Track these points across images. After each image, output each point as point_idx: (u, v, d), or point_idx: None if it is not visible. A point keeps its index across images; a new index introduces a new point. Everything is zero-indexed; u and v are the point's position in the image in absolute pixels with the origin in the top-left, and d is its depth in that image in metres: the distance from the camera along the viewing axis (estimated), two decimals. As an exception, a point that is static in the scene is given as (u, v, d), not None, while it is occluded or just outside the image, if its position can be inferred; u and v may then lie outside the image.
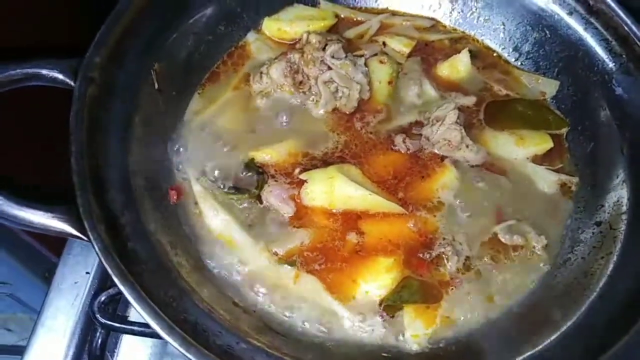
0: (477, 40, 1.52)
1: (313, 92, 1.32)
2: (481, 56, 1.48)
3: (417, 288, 1.11)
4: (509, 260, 1.18)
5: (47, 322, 1.28)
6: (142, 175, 1.09)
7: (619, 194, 1.20)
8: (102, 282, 1.32)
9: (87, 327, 1.27)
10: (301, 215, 1.18)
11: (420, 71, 1.41)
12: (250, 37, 1.44)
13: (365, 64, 1.36)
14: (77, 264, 1.35)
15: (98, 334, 1.19)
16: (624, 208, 1.18)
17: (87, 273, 1.33)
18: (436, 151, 1.28)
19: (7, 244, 1.67)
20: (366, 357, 1.04)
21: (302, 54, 1.30)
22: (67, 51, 1.05)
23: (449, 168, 1.26)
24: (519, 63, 1.48)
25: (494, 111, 1.37)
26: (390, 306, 1.10)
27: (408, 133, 1.30)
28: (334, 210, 1.19)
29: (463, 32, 1.53)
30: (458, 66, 1.42)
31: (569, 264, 1.18)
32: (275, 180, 1.21)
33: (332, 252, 1.15)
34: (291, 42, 1.43)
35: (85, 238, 0.90)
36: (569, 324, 1.04)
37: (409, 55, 1.45)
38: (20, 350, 2.41)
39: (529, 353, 1.01)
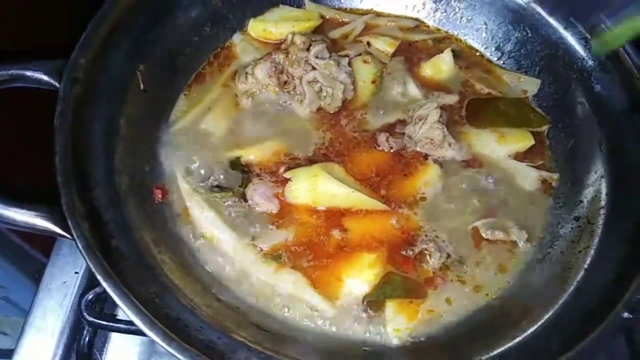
0: (460, 40, 1.54)
1: (298, 92, 1.33)
2: (464, 56, 1.50)
3: (400, 283, 1.13)
4: (490, 256, 1.20)
5: (35, 322, 1.29)
6: (127, 174, 1.11)
7: (597, 189, 1.22)
8: (91, 281, 1.33)
9: (76, 326, 1.28)
10: (285, 213, 1.20)
11: (404, 70, 1.43)
12: (236, 38, 1.46)
13: (349, 64, 1.38)
14: (66, 264, 1.36)
15: (85, 332, 1.20)
16: (602, 203, 1.20)
17: (76, 273, 1.34)
18: (419, 149, 1.30)
19: (-1, 248, 1.68)
20: (347, 351, 1.05)
21: (287, 55, 1.32)
22: (51, 53, 1.07)
23: (431, 166, 1.28)
24: (501, 62, 1.50)
25: (476, 109, 1.40)
26: (374, 302, 1.11)
27: (391, 132, 1.32)
28: (318, 208, 1.21)
29: (446, 32, 1.55)
30: (441, 65, 1.44)
31: (548, 258, 1.20)
32: (260, 179, 1.23)
33: (316, 248, 1.17)
34: (276, 43, 1.44)
35: (69, 236, 0.91)
36: (547, 316, 1.06)
37: (393, 55, 1.47)
38: (15, 353, 2.42)
39: (508, 345, 1.03)
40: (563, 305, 1.07)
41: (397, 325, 1.09)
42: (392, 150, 1.29)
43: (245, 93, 1.34)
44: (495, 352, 1.01)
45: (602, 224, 1.17)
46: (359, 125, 1.34)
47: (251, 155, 1.26)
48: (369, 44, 1.48)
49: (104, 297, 1.21)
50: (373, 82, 1.39)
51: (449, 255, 1.19)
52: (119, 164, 1.10)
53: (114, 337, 1.31)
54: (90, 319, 1.12)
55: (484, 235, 1.21)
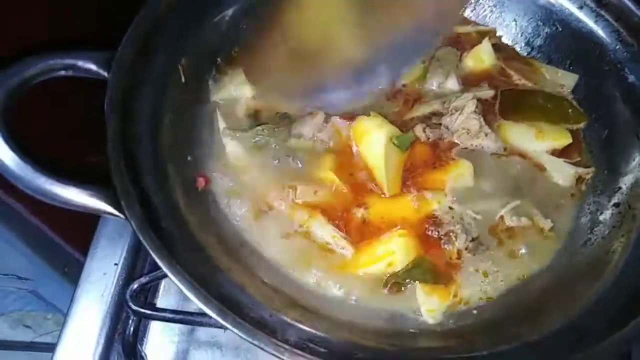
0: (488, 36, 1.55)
1: None
2: (502, 48, 1.51)
3: (429, 268, 1.13)
4: (518, 241, 1.20)
5: (78, 314, 1.30)
6: (172, 161, 1.13)
7: (636, 175, 1.23)
8: (130, 272, 1.35)
9: (117, 316, 1.30)
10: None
11: (454, 62, 1.43)
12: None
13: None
14: (105, 257, 1.38)
15: (130, 321, 1.21)
16: (642, 188, 1.21)
17: (115, 264, 1.36)
18: (455, 140, 1.30)
19: (27, 239, 1.69)
20: (393, 333, 1.07)
21: None
22: (100, 45, 1.10)
23: (463, 161, 1.27)
24: (532, 57, 1.51)
25: (512, 101, 1.39)
26: (398, 283, 1.12)
27: (428, 122, 1.32)
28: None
29: (487, 26, 1.55)
30: (481, 55, 1.44)
31: (589, 243, 1.20)
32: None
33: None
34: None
35: (122, 216, 0.93)
36: (592, 298, 1.06)
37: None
38: (39, 346, 2.44)
39: (548, 329, 1.03)
40: (607, 287, 1.07)
41: (430, 306, 1.10)
42: (429, 141, 1.30)
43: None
44: (545, 331, 1.01)
45: (644, 207, 1.17)
46: (399, 112, 1.35)
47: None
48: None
49: (147, 287, 1.24)
50: (423, 61, 1.40)
51: (474, 238, 1.18)
52: (164, 150, 1.13)
53: (153, 328, 1.32)
54: (136, 308, 1.14)
55: (508, 221, 1.21)
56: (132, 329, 1.22)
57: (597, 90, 1.39)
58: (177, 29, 1.25)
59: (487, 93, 1.39)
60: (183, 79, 1.26)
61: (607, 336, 0.94)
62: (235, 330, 0.85)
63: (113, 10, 1.23)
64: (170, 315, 1.15)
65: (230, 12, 1.39)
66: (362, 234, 1.17)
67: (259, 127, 1.26)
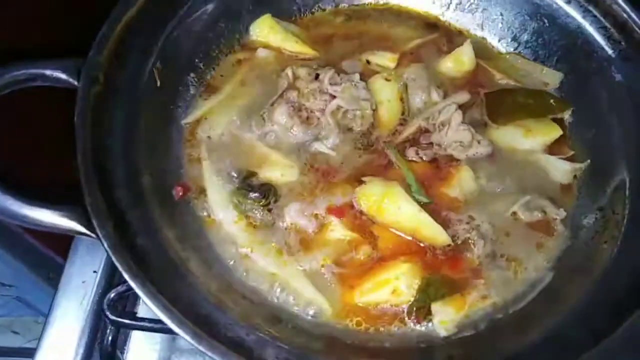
0: (473, 35, 1.52)
1: (323, 125, 1.27)
2: (481, 48, 1.48)
3: (441, 282, 1.12)
4: (529, 240, 1.20)
5: (56, 322, 1.28)
6: (148, 172, 1.10)
7: (621, 179, 1.21)
8: (110, 280, 1.33)
9: (96, 325, 1.28)
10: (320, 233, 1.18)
11: (427, 75, 1.38)
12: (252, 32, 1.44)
13: (367, 84, 1.33)
14: (84, 264, 1.35)
15: (108, 330, 1.20)
16: (626, 193, 1.19)
17: (95, 272, 1.34)
18: (450, 153, 1.27)
19: (10, 247, 1.67)
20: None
21: (298, 90, 1.28)
22: (69, 52, 1.06)
23: (464, 167, 1.25)
24: (518, 53, 1.48)
25: (495, 104, 1.37)
26: (421, 307, 1.10)
27: (418, 144, 1.29)
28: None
29: (459, 28, 1.53)
30: (462, 58, 1.41)
31: (571, 248, 1.19)
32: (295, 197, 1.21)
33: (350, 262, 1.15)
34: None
35: (93, 235, 0.91)
36: (575, 306, 1.06)
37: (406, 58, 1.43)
38: (27, 352, 2.42)
39: (538, 335, 1.03)
40: (590, 296, 1.07)
41: (444, 317, 1.09)
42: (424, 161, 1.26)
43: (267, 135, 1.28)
44: (527, 343, 1.01)
45: (627, 214, 1.16)
46: (385, 142, 1.29)
47: (277, 174, 1.22)
48: (368, 61, 1.41)
49: (126, 295, 1.21)
50: (401, 99, 1.33)
51: (492, 242, 1.18)
52: (139, 162, 1.10)
53: (135, 335, 1.31)
54: (114, 317, 1.12)
55: (522, 217, 1.21)
56: (110, 338, 1.21)
57: (583, 89, 1.37)
58: (151, 29, 1.21)
59: (462, 97, 1.35)
60: (158, 83, 1.22)
61: (590, 347, 0.94)
62: (210, 354, 0.84)
63: (82, 15, 1.18)
64: (150, 325, 1.13)
65: (209, 8, 1.35)
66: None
67: (243, 193, 1.19)
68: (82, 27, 1.06)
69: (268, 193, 1.18)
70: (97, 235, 0.90)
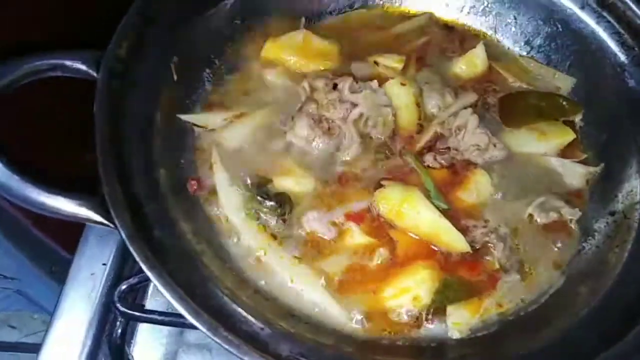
0: (487, 36, 1.53)
1: (344, 135, 1.26)
2: (495, 50, 1.49)
3: (459, 285, 1.12)
4: (545, 241, 1.20)
5: (63, 315, 1.28)
6: (164, 166, 1.11)
7: (633, 184, 1.22)
8: (119, 272, 1.33)
9: (105, 318, 1.28)
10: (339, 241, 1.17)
11: (440, 79, 1.39)
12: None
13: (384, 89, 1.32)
14: (94, 256, 1.35)
15: (118, 323, 1.20)
16: (638, 197, 1.20)
17: (104, 264, 1.34)
18: (467, 158, 1.27)
19: (15, 239, 1.67)
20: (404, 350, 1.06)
21: (317, 102, 1.27)
22: (89, 44, 1.06)
23: (481, 171, 1.25)
24: (531, 56, 1.49)
25: (508, 107, 1.37)
26: (438, 308, 1.10)
27: (435, 149, 1.28)
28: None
29: (473, 28, 1.53)
30: (475, 61, 1.42)
31: (583, 252, 1.19)
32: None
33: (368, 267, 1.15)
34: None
35: (111, 225, 0.91)
36: (584, 311, 1.06)
37: (420, 62, 1.43)
38: (24, 347, 2.41)
39: (549, 337, 1.03)
40: (601, 300, 1.07)
41: (458, 319, 1.09)
42: (443, 168, 1.26)
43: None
44: (536, 346, 1.01)
45: (639, 218, 1.16)
46: (402, 150, 1.29)
47: (293, 183, 1.22)
48: (376, 62, 1.41)
49: (136, 288, 1.21)
50: (417, 104, 1.33)
51: (510, 245, 1.17)
52: (156, 155, 1.10)
53: (141, 329, 1.30)
54: (124, 309, 1.12)
55: (538, 219, 1.21)
56: (119, 331, 1.21)
57: (596, 93, 1.38)
58: (169, 24, 1.21)
59: (471, 97, 1.36)
60: (175, 77, 1.22)
61: (601, 351, 0.94)
62: (226, 346, 0.84)
63: (102, 8, 1.18)
64: (160, 318, 1.13)
65: (227, 5, 1.35)
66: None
67: (260, 200, 1.17)
68: (104, 19, 1.07)
69: (283, 202, 1.17)
70: (115, 225, 0.90)
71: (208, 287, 0.96)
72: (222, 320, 0.88)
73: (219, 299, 0.94)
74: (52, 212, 0.91)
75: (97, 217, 0.92)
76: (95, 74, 1.04)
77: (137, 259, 0.88)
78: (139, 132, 1.09)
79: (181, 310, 0.86)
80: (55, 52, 1.03)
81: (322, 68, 1.39)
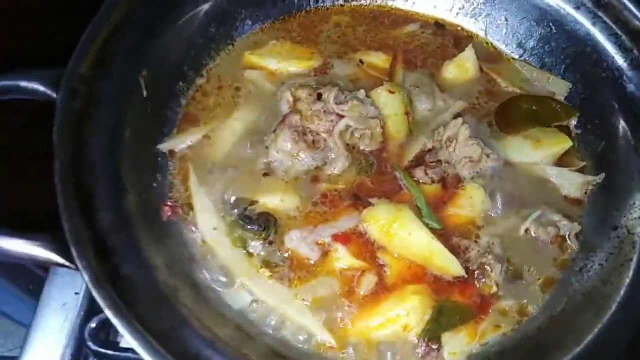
0: (479, 37, 1.46)
1: (330, 148, 1.19)
2: (486, 54, 1.42)
3: (453, 310, 1.06)
4: (543, 258, 1.15)
5: (36, 348, 1.20)
6: (133, 190, 1.02)
7: (636, 196, 1.15)
8: (92, 303, 1.24)
9: (78, 351, 1.20)
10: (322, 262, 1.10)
11: (430, 82, 1.32)
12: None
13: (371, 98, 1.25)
14: (65, 284, 1.27)
15: (90, 360, 1.12)
16: (641, 212, 1.13)
17: (77, 293, 1.25)
18: (459, 171, 1.20)
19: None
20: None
21: (300, 113, 1.19)
22: (48, 62, 0.97)
23: (474, 185, 1.19)
24: (524, 60, 1.42)
25: (500, 113, 1.31)
26: (432, 336, 1.04)
27: (425, 163, 1.21)
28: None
29: (465, 30, 1.46)
30: (465, 64, 1.35)
31: (585, 270, 1.13)
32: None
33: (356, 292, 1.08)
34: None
35: (73, 267, 0.82)
36: (591, 335, 1.00)
37: (410, 63, 1.37)
38: (4, 360, 2.33)
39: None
40: (608, 323, 1.00)
41: (454, 348, 1.03)
42: (434, 182, 1.19)
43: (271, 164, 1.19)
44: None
45: (644, 234, 1.10)
46: (391, 164, 1.22)
47: (277, 200, 1.14)
48: (361, 61, 1.36)
49: (108, 323, 1.13)
50: (406, 113, 1.25)
51: (506, 264, 1.12)
52: (124, 180, 1.01)
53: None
54: (95, 348, 1.06)
55: (534, 234, 1.15)
56: (91, 368, 1.13)
57: (593, 98, 1.31)
58: (137, 34, 1.12)
59: (460, 105, 1.30)
60: (145, 93, 1.13)
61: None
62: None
63: (61, 21, 1.08)
64: (134, 356, 1.06)
65: (200, 11, 1.26)
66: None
67: (242, 224, 1.10)
68: (60, 34, 0.97)
69: (268, 224, 1.09)
70: (77, 267, 0.81)
71: (183, 329, 0.88)
72: (198, 368, 0.80)
73: (194, 343, 0.86)
74: (6, 256, 0.82)
75: (57, 259, 0.84)
76: (54, 95, 0.95)
77: (101, 304, 0.80)
78: (105, 156, 0.99)
79: (150, 360, 0.78)
80: (8, 72, 0.94)
81: (304, 68, 1.33)
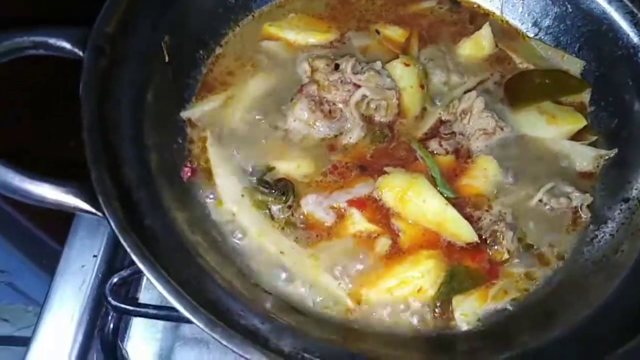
0: (495, 15, 1.47)
1: (347, 118, 1.21)
2: (502, 31, 1.43)
3: (465, 274, 1.07)
4: (555, 228, 1.16)
5: (53, 309, 1.22)
6: (156, 150, 1.04)
7: (647, 169, 1.17)
8: (111, 264, 1.27)
9: (96, 312, 1.22)
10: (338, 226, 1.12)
11: (443, 56, 1.34)
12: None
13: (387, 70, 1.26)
14: (84, 248, 1.29)
15: (110, 317, 1.14)
16: (654, 184, 1.15)
17: (95, 256, 1.28)
18: (473, 143, 1.22)
19: (5, 231, 1.61)
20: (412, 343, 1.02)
21: (317, 83, 1.21)
22: (75, 20, 0.99)
23: (488, 157, 1.21)
24: (539, 39, 1.43)
25: (513, 88, 1.32)
26: (445, 300, 1.06)
27: (440, 135, 1.23)
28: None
29: (481, 6, 1.47)
30: (482, 42, 1.36)
31: (596, 240, 1.15)
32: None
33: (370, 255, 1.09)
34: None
35: (99, 214, 0.85)
36: (600, 303, 1.01)
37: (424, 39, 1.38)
38: (17, 340, 2.36)
39: (561, 331, 0.98)
40: (616, 293, 1.02)
41: (466, 310, 1.05)
42: (448, 154, 1.21)
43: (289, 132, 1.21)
44: (550, 339, 0.96)
45: (655, 205, 1.12)
46: (406, 135, 1.24)
47: (294, 166, 1.17)
48: (377, 31, 1.37)
49: (129, 280, 1.16)
50: (421, 86, 1.26)
51: (518, 232, 1.13)
52: (147, 140, 1.03)
53: (135, 324, 1.24)
54: (116, 303, 1.07)
55: (547, 205, 1.17)
56: (111, 325, 1.16)
57: (607, 76, 1.32)
58: (160, 1, 1.14)
59: (473, 81, 1.31)
60: (167, 58, 1.16)
61: (617, 346, 0.89)
62: (224, 342, 0.78)
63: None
64: (154, 312, 1.08)
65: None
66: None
67: (263, 190, 1.12)
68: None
69: (287, 189, 1.12)
70: (104, 214, 0.84)
71: (204, 279, 0.90)
72: (219, 314, 0.82)
73: (216, 292, 0.89)
74: (36, 201, 0.85)
75: (85, 206, 0.85)
76: (81, 53, 0.98)
77: (129, 251, 0.82)
78: (128, 115, 1.02)
79: (176, 305, 0.80)
80: (38, 28, 0.96)
81: (322, 40, 1.35)
